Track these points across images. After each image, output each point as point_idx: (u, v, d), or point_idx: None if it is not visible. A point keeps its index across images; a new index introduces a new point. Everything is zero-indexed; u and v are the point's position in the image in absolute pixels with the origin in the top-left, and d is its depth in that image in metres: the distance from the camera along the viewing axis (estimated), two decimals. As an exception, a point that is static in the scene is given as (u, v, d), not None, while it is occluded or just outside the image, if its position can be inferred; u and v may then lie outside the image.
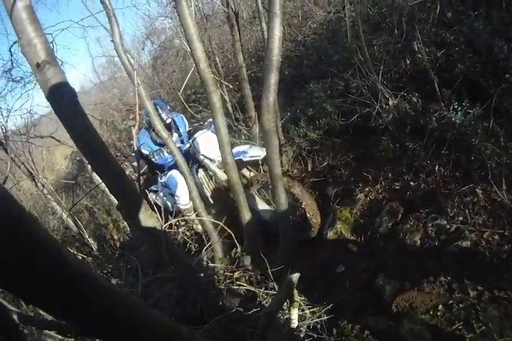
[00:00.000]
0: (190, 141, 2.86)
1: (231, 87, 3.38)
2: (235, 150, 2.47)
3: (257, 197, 2.65)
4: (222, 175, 2.66)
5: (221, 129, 1.52)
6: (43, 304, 0.49)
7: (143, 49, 6.00)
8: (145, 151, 3.07)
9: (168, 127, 3.00)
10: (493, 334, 1.45)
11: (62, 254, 0.48)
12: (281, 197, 1.47)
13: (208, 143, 2.78)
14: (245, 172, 2.73)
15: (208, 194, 2.86)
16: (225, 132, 1.52)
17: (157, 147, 3.06)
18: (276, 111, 3.05)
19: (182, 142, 3.05)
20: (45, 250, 0.44)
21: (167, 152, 2.98)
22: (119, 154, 4.28)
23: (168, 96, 4.67)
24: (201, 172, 2.92)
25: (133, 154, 3.31)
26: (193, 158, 2.86)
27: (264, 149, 2.54)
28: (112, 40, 2.20)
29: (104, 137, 5.15)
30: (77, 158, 4.58)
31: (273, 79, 1.38)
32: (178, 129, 3.11)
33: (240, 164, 2.31)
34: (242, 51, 2.84)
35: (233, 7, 2.95)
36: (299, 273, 1.24)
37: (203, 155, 2.77)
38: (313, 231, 2.44)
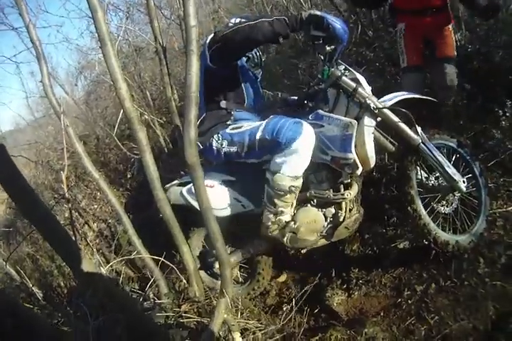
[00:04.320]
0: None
1: (164, 120, 3.38)
2: None
3: None
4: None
5: (150, 166, 1.54)
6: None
7: (76, 84, 5.87)
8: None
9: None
10: (448, 321, 1.54)
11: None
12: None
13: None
14: None
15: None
16: (153, 168, 1.55)
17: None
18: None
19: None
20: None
21: None
22: (56, 196, 4.07)
23: (102, 132, 4.58)
24: (368, 119, 1.75)
25: None
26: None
27: None
28: (41, 81, 2.17)
29: (40, 179, 4.89)
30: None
31: (192, 114, 1.44)
32: None
33: None
34: (172, 84, 2.90)
35: (161, 42, 3.01)
36: (227, 297, 1.27)
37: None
38: None
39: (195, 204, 1.91)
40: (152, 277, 1.77)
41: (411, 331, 1.59)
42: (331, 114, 1.79)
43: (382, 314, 1.76)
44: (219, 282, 1.79)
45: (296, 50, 4.33)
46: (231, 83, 1.98)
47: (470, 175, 1.91)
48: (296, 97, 2.23)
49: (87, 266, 1.51)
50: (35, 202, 1.40)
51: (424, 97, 1.88)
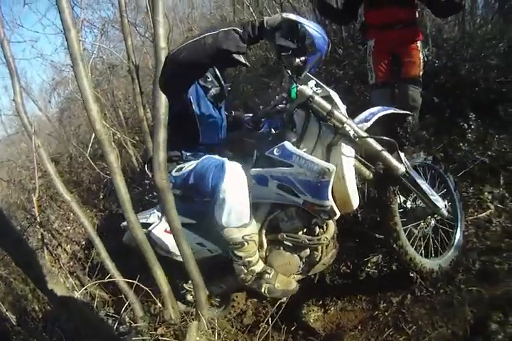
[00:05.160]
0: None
1: (137, 139, 3.35)
2: None
3: None
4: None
5: (121, 189, 1.52)
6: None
7: (49, 101, 5.76)
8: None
9: None
10: (426, 330, 1.55)
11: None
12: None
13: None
14: None
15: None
16: (124, 191, 1.53)
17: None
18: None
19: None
20: None
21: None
22: (29, 216, 3.94)
23: (75, 150, 4.49)
24: (346, 148, 1.52)
25: None
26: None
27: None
28: (14, 100, 2.13)
29: (12, 198, 4.73)
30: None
31: (161, 136, 1.42)
32: None
33: None
34: (145, 103, 2.89)
35: (134, 60, 3.01)
36: (203, 319, 1.25)
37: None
38: None
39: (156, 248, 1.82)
40: (127, 300, 1.74)
41: (390, 343, 1.59)
42: (303, 154, 1.52)
43: (359, 327, 1.77)
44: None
45: (267, 68, 4.36)
46: (182, 119, 1.72)
47: (445, 190, 1.92)
48: (250, 115, 2.05)
49: (60, 290, 1.48)
50: (6, 225, 1.37)
51: (401, 112, 1.77)
